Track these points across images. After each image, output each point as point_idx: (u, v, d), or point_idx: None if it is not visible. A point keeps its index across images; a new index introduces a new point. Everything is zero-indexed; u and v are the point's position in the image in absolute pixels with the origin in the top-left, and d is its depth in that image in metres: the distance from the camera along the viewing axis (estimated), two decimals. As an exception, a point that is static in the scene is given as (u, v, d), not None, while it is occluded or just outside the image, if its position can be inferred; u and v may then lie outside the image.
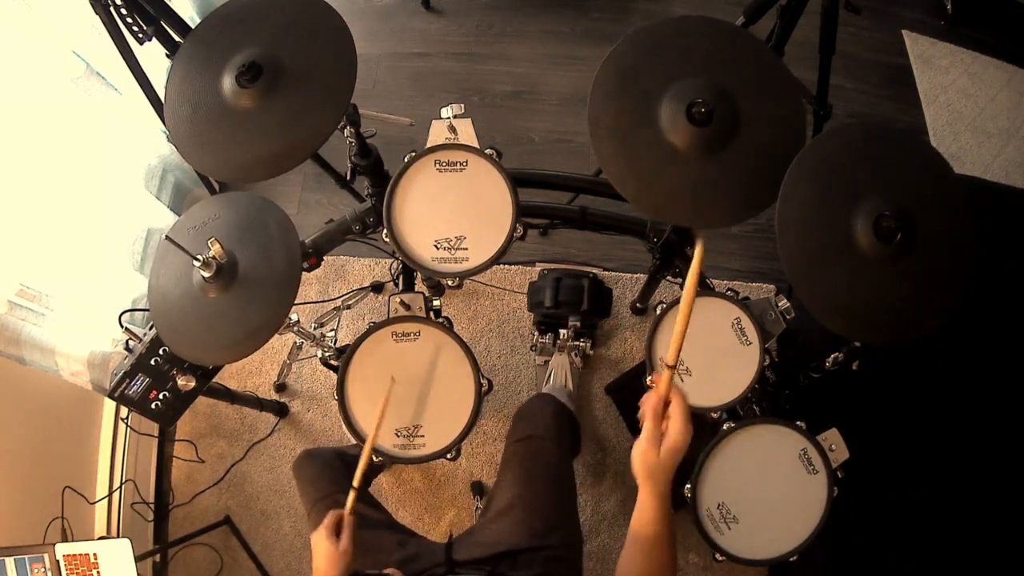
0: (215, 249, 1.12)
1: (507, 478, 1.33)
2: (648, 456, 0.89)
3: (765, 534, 1.15)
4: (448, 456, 1.21)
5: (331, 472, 1.41)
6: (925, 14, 2.39)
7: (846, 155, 1.07)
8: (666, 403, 0.91)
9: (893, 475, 1.85)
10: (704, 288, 1.40)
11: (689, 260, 1.44)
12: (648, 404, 0.91)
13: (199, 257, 1.12)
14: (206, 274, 1.13)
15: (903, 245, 1.02)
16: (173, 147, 2.02)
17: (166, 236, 1.16)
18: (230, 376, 2.11)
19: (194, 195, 2.26)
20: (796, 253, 1.04)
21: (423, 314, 1.25)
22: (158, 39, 1.48)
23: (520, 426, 1.42)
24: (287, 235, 1.19)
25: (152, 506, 2.03)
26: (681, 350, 0.91)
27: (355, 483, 1.11)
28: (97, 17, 1.40)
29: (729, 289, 1.24)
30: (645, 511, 0.91)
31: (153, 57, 1.57)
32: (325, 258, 1.38)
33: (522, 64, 2.39)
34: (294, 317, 1.34)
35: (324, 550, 1.03)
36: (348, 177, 1.46)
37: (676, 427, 0.89)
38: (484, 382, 1.23)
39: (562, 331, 1.84)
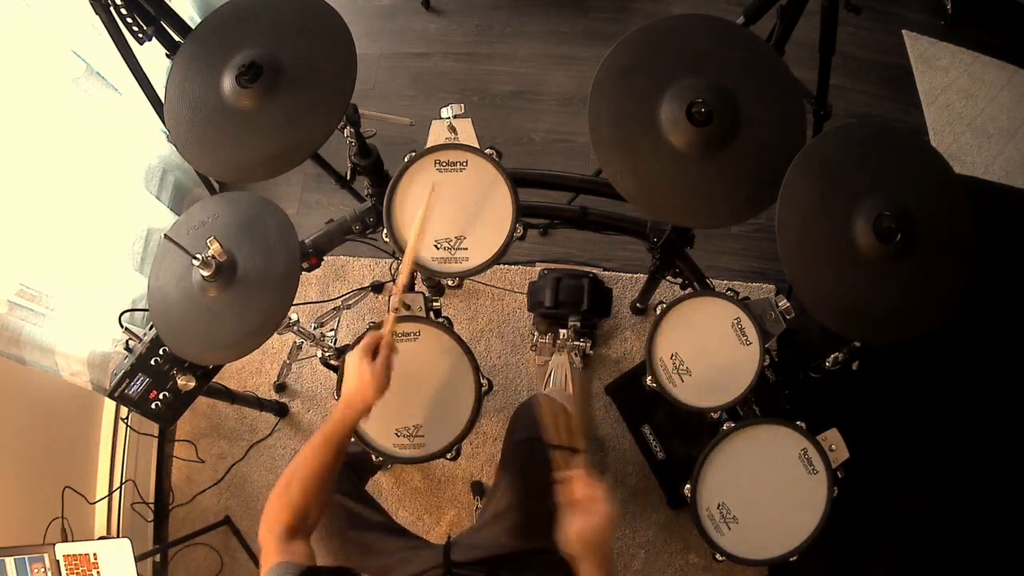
0: (214, 248, 1.12)
1: (504, 480, 1.32)
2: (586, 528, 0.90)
3: (765, 534, 1.15)
4: (448, 456, 1.21)
5: None
6: (925, 14, 2.38)
7: (846, 155, 1.08)
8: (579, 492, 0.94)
9: (893, 475, 1.84)
10: (704, 288, 1.40)
11: (689, 260, 1.44)
12: (574, 490, 0.94)
13: (198, 256, 1.12)
14: (205, 273, 1.14)
15: (903, 245, 1.02)
16: (173, 147, 2.02)
17: (165, 235, 1.16)
18: (230, 376, 2.11)
19: (194, 195, 2.26)
20: (796, 253, 1.04)
21: (423, 314, 1.25)
22: (158, 39, 1.48)
23: (517, 428, 1.42)
24: (286, 234, 1.19)
25: (152, 506, 2.03)
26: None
27: (395, 305, 1.08)
28: (97, 17, 1.40)
29: (729, 289, 1.24)
30: None
31: (153, 57, 1.57)
32: (325, 258, 1.38)
33: (522, 64, 2.38)
34: (294, 317, 1.34)
35: (357, 370, 1.00)
36: (348, 177, 1.46)
37: (599, 500, 0.92)
38: (484, 382, 1.23)
39: (562, 331, 1.84)
